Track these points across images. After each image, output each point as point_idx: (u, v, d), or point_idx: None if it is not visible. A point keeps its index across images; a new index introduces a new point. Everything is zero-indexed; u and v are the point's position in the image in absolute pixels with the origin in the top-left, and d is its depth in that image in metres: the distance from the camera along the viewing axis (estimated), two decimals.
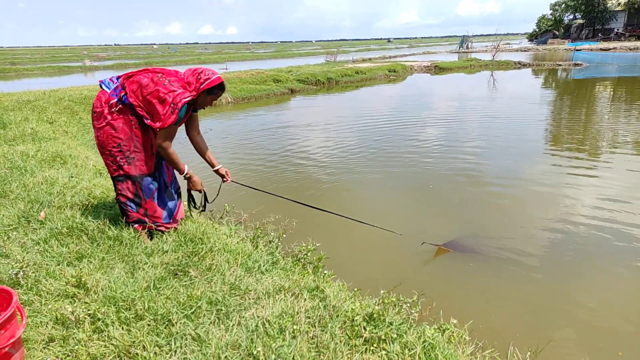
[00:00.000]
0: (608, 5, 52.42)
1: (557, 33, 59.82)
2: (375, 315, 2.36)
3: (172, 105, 2.85)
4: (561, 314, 3.39)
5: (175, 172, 3.28)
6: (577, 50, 33.12)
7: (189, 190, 3.39)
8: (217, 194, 3.68)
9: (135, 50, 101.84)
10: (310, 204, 4.09)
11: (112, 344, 2.07)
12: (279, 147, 9.04)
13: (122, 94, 2.94)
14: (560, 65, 27.65)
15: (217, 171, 3.42)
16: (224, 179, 3.46)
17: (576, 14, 57.68)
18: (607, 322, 3.32)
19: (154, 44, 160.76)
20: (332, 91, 19.29)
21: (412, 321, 2.48)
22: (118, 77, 3.03)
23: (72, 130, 8.30)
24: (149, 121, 2.94)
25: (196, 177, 3.25)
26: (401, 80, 23.10)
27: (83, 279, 2.50)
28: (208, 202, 3.56)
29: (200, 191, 3.34)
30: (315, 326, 2.28)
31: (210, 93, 3.02)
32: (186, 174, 3.17)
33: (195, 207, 3.59)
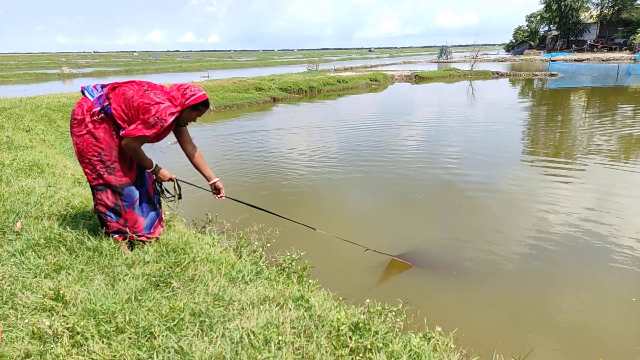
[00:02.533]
0: (581, 17, 54.12)
1: (532, 44, 61.39)
2: (360, 325, 2.34)
3: (156, 118, 2.80)
4: (542, 320, 3.44)
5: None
6: (553, 60, 34.03)
7: (160, 183, 3.27)
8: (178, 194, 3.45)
9: (115, 57, 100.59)
10: (293, 219, 4.07)
11: (92, 358, 2.01)
12: (260, 154, 9.02)
13: (106, 103, 2.88)
14: (536, 75, 28.34)
15: (213, 185, 3.35)
16: (219, 195, 3.39)
17: (551, 26, 59.37)
18: (587, 328, 3.38)
19: (135, 52, 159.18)
20: (315, 99, 19.37)
21: (397, 330, 2.48)
22: (103, 86, 2.98)
23: (49, 139, 8.12)
24: (124, 131, 2.88)
25: (163, 169, 3.14)
26: (383, 89, 23.35)
27: (61, 292, 2.43)
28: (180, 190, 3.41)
29: (172, 180, 3.23)
30: (300, 336, 2.25)
31: (194, 109, 3.00)
32: (154, 167, 3.07)
33: (169, 199, 3.40)
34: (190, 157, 3.27)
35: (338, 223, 5.45)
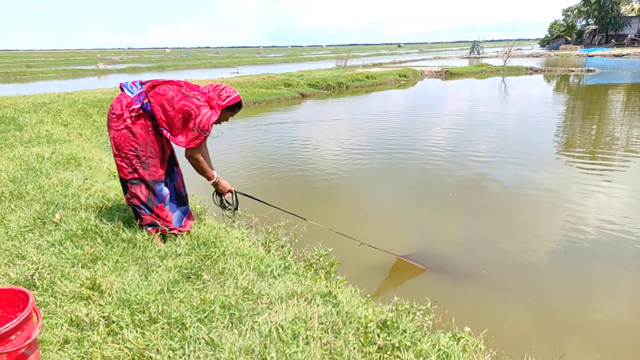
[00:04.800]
0: (621, 11, 51.93)
1: (569, 39, 59.34)
2: (389, 322, 2.33)
3: (200, 130, 2.92)
4: (576, 324, 3.34)
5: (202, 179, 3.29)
6: (590, 56, 32.78)
7: (220, 194, 3.43)
8: (236, 206, 3.60)
9: (147, 54, 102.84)
10: (285, 209, 4.07)
11: (127, 347, 2.08)
12: (288, 151, 9.05)
13: (146, 101, 2.96)
14: (572, 71, 27.40)
15: (214, 184, 3.39)
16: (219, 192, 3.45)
17: (589, 20, 57.22)
18: (623, 334, 3.26)
19: (167, 48, 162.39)
20: (343, 95, 19.32)
21: (426, 329, 2.45)
22: (142, 83, 3.05)
23: (86, 133, 8.39)
24: (168, 134, 2.98)
25: (224, 181, 3.31)
26: (412, 85, 23.06)
27: (97, 281, 2.52)
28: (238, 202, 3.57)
29: (231, 191, 3.38)
30: (328, 332, 2.26)
31: (228, 110, 3.06)
32: (215, 179, 3.23)
33: (228, 209, 3.59)
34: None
35: (355, 218, 5.46)
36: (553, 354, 2.71)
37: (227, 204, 3.56)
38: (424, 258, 4.28)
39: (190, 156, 3.05)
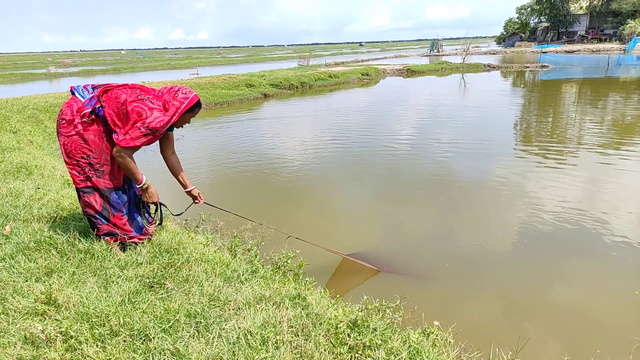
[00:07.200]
0: (571, 9, 54.28)
1: (523, 36, 61.52)
2: (359, 322, 2.32)
3: (148, 129, 2.73)
4: (540, 312, 3.45)
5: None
6: (544, 52, 34.07)
7: (144, 202, 3.20)
8: (184, 211, 3.50)
9: (102, 56, 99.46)
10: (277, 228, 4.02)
11: None
12: (251, 151, 8.95)
13: (98, 105, 2.82)
14: (527, 67, 28.40)
15: (189, 192, 3.29)
16: (196, 201, 3.36)
17: (541, 17, 59.49)
18: (583, 319, 3.39)
19: (122, 50, 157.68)
20: (306, 95, 19.30)
21: (396, 326, 2.46)
22: (94, 87, 2.90)
23: (37, 140, 8.01)
24: (115, 136, 2.82)
25: (153, 189, 3.08)
26: (374, 84, 23.31)
27: (53, 295, 2.38)
28: (163, 216, 3.38)
29: (155, 204, 3.17)
30: (298, 335, 2.23)
31: (188, 111, 2.94)
32: (143, 184, 2.99)
33: (149, 221, 3.33)
34: (168, 161, 3.19)
35: (313, 217, 5.46)
36: (518, 341, 2.77)
37: (147, 216, 3.31)
38: (381, 256, 4.29)
39: (119, 153, 2.79)
